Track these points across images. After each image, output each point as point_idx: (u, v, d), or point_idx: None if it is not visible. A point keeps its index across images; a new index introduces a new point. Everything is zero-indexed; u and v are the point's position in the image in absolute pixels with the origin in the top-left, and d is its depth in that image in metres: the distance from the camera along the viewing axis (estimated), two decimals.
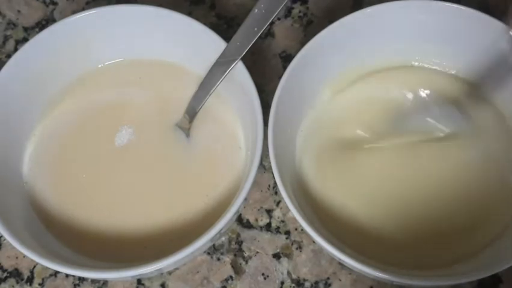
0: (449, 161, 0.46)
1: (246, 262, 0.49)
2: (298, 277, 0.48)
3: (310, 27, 0.57)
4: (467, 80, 0.49)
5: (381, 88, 0.49)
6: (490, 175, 0.46)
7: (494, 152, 0.46)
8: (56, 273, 0.49)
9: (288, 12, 0.58)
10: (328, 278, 0.48)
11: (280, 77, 0.45)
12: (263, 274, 0.48)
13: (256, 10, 0.46)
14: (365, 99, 0.49)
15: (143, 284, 0.48)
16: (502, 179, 0.46)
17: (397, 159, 0.47)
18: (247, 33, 0.46)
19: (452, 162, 0.46)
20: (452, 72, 0.49)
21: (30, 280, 0.49)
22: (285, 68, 0.46)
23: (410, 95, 0.49)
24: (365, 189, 0.46)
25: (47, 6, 0.60)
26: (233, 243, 0.49)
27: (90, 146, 0.50)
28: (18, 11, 0.59)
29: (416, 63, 0.50)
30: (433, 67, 0.50)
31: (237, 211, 0.43)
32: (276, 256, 0.49)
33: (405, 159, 0.47)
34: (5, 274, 0.49)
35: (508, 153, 0.47)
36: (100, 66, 0.53)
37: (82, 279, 0.49)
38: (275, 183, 0.48)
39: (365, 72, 0.50)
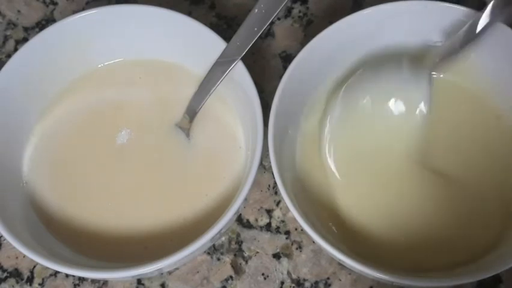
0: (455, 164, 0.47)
1: (246, 262, 0.49)
2: (298, 277, 0.48)
3: (310, 27, 0.57)
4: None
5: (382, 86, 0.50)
6: (490, 177, 0.46)
7: (495, 152, 0.47)
8: (56, 273, 0.49)
9: (288, 12, 0.58)
10: (328, 278, 0.48)
11: (280, 77, 0.45)
12: (263, 274, 0.48)
13: (256, 10, 0.46)
14: (364, 98, 0.49)
15: (143, 284, 0.48)
16: (501, 180, 0.46)
17: (403, 155, 0.47)
18: (247, 33, 0.46)
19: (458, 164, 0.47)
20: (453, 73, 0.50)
21: (30, 280, 0.49)
22: (285, 68, 0.46)
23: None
24: (366, 189, 0.46)
25: (47, 6, 0.60)
26: (233, 243, 0.49)
27: (90, 146, 0.50)
28: (18, 11, 0.59)
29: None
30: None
31: (237, 211, 0.43)
32: (276, 256, 0.49)
33: (415, 145, 0.47)
34: (5, 274, 0.49)
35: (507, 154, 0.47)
36: (99, 66, 0.53)
37: (82, 279, 0.49)
38: (275, 183, 0.48)
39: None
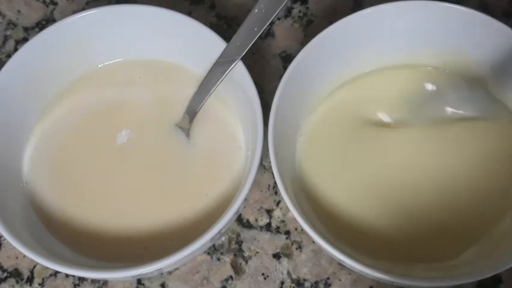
0: (464, 148, 0.47)
1: (246, 262, 0.49)
2: (298, 277, 0.48)
3: (310, 27, 0.57)
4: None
5: (383, 85, 0.50)
6: (500, 173, 0.46)
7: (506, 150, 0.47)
8: (56, 273, 0.49)
9: (288, 12, 0.58)
10: (328, 278, 0.48)
11: (280, 77, 0.45)
12: (263, 274, 0.48)
13: (256, 10, 0.46)
14: (365, 98, 0.50)
15: (143, 284, 0.48)
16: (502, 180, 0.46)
17: (403, 156, 0.47)
18: (247, 33, 0.46)
19: (466, 150, 0.47)
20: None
21: (30, 280, 0.49)
22: (285, 68, 0.46)
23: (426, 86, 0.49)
24: (366, 189, 0.46)
25: (47, 6, 0.60)
26: (233, 243, 0.49)
27: (90, 146, 0.50)
28: (18, 11, 0.59)
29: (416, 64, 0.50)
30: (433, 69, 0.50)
31: (237, 211, 0.43)
32: (276, 256, 0.49)
33: (414, 151, 0.47)
34: (5, 274, 0.49)
35: None
36: (99, 66, 0.53)
37: (82, 279, 0.49)
38: (275, 183, 0.48)
39: (365, 73, 0.50)
